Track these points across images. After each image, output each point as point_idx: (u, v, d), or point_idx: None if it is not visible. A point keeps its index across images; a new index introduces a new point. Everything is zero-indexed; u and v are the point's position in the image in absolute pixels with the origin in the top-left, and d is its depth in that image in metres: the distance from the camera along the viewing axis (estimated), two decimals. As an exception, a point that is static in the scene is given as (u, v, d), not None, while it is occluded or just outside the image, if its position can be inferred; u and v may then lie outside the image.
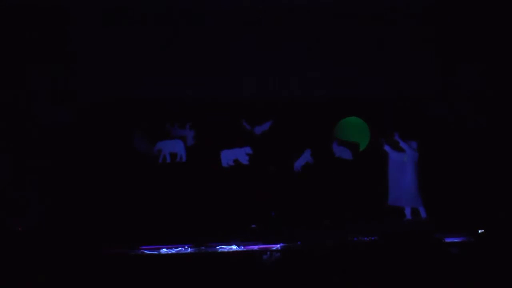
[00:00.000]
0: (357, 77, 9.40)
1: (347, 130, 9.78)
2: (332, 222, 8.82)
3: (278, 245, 7.56)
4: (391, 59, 9.39)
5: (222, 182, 9.34)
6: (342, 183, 9.29)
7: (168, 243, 7.64)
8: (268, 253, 7.23)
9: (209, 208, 8.93)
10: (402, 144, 9.14)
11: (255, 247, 7.66)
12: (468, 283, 5.49)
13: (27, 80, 8.87)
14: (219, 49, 9.24)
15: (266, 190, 9.24)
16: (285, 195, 9.22)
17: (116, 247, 7.34)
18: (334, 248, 6.43)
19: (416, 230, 8.02)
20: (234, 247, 7.69)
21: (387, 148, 9.25)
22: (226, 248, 7.67)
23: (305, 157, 9.45)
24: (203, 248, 7.65)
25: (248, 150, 9.49)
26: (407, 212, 9.21)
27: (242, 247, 7.68)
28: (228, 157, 9.52)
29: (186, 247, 7.64)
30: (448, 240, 7.40)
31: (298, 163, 9.48)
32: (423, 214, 9.08)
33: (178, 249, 7.57)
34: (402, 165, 9.15)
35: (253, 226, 8.81)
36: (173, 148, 9.52)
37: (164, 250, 7.53)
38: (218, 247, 7.67)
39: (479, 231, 7.76)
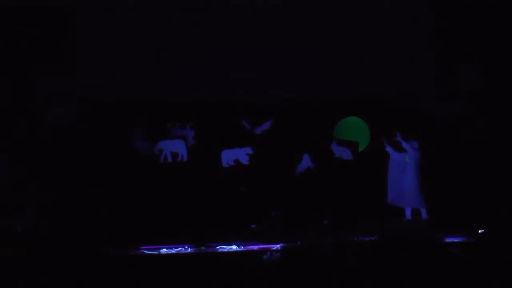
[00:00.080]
0: (357, 77, 9.40)
1: (347, 130, 9.78)
2: (332, 222, 8.82)
3: (278, 245, 7.56)
4: (391, 59, 9.39)
5: (222, 182, 9.35)
6: (342, 183, 9.29)
7: (168, 243, 7.63)
8: (268, 253, 7.22)
9: (209, 208, 8.93)
10: (404, 145, 9.13)
11: (255, 247, 7.65)
12: (468, 283, 5.49)
13: (27, 80, 8.87)
14: (219, 49, 9.24)
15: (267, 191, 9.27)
16: (285, 195, 9.22)
17: (116, 247, 7.34)
18: (334, 248, 6.42)
19: (416, 230, 8.03)
20: (234, 247, 7.68)
21: (388, 149, 9.25)
22: (226, 248, 7.66)
23: (306, 162, 9.45)
24: (203, 248, 7.65)
25: (248, 150, 9.50)
26: (408, 212, 9.21)
27: (242, 247, 7.68)
28: (228, 157, 9.53)
29: (186, 247, 7.64)
30: (448, 240, 7.39)
31: (299, 169, 9.49)
32: (424, 214, 9.09)
33: (178, 249, 7.57)
34: (403, 166, 9.14)
35: (253, 226, 8.82)
36: (174, 147, 9.54)
37: (164, 250, 7.53)
38: (218, 247, 7.67)
39: (479, 231, 7.75)
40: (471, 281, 5.50)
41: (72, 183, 8.83)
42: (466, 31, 9.25)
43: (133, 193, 8.96)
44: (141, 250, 7.49)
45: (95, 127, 9.13)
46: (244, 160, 9.49)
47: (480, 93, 9.24)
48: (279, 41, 9.27)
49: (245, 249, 7.64)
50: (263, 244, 7.67)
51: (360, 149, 9.74)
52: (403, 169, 9.14)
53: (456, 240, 7.57)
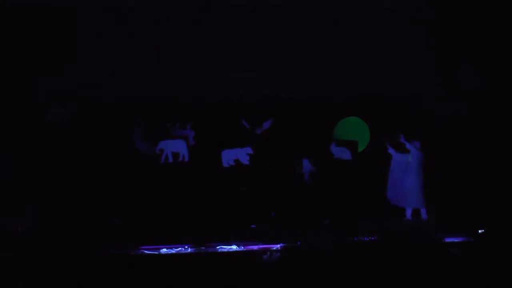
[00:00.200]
0: (357, 77, 9.40)
1: (347, 130, 9.78)
2: (332, 222, 8.82)
3: (278, 245, 7.55)
4: (391, 59, 9.39)
5: (223, 182, 9.35)
6: (342, 183, 9.29)
7: (168, 243, 7.63)
8: (268, 253, 7.21)
9: (210, 208, 8.93)
10: (408, 146, 9.11)
11: (255, 247, 7.65)
12: (468, 283, 5.49)
13: (28, 80, 8.87)
14: (219, 49, 9.24)
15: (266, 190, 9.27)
16: (285, 195, 9.22)
17: (116, 247, 7.34)
18: (334, 248, 6.41)
19: (416, 230, 8.02)
20: (234, 247, 7.68)
21: (391, 150, 9.23)
22: (226, 248, 7.66)
23: (307, 167, 9.44)
24: (203, 248, 7.65)
25: (249, 150, 9.51)
26: (408, 212, 9.20)
27: (242, 247, 7.68)
28: (229, 157, 9.54)
29: (186, 247, 7.64)
30: (448, 240, 7.39)
31: (305, 175, 9.49)
32: (424, 215, 9.08)
33: (178, 249, 7.57)
34: (405, 166, 9.13)
35: (253, 226, 8.82)
36: (176, 147, 9.54)
37: (164, 250, 7.53)
38: (218, 247, 7.67)
39: (479, 231, 7.75)
40: (471, 281, 5.50)
41: (72, 183, 8.83)
42: (466, 31, 9.25)
43: (133, 193, 8.96)
44: (141, 250, 7.49)
45: (95, 127, 9.13)
46: (245, 160, 9.50)
47: (480, 93, 9.24)
48: (279, 41, 9.28)
49: (245, 249, 7.64)
50: (263, 244, 7.67)
51: (360, 149, 9.74)
52: (405, 170, 9.13)
53: (456, 240, 7.57)
